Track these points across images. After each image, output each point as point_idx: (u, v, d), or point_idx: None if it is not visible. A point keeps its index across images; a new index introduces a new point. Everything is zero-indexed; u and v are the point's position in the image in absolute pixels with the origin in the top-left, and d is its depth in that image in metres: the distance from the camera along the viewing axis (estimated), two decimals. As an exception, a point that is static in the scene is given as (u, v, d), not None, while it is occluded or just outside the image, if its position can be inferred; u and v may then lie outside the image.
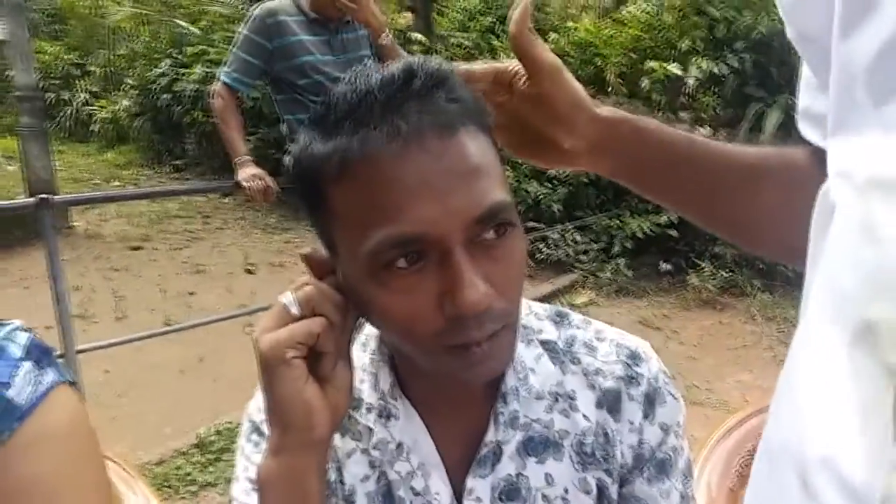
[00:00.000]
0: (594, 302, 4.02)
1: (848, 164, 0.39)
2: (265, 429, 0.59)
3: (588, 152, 0.65)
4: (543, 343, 0.66)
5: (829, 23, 0.39)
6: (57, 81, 10.98)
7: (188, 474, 2.32)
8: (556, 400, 0.64)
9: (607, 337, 0.67)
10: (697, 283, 3.96)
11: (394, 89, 0.50)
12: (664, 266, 4.31)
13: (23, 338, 0.63)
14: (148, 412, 2.83)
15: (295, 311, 0.54)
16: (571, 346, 0.66)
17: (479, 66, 0.62)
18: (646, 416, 0.64)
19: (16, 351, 0.62)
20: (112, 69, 10.66)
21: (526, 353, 0.64)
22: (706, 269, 4.01)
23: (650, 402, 0.64)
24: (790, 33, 0.49)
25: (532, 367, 0.64)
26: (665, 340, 3.34)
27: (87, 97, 10.56)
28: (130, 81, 8.81)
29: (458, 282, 0.48)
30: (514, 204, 0.53)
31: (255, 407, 0.67)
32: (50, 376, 0.63)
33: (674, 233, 4.18)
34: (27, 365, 0.61)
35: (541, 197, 4.65)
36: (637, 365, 0.65)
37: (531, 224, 4.61)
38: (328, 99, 0.52)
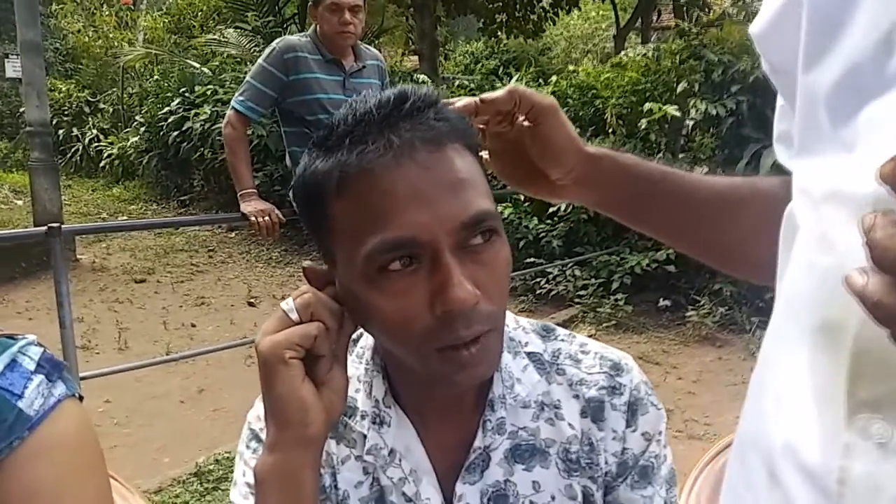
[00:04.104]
0: (594, 337, 4.01)
1: (808, 182, 0.44)
2: (264, 436, 0.62)
3: (574, 185, 0.70)
4: (530, 354, 0.69)
5: (796, 56, 0.44)
6: (68, 118, 11.18)
7: (186, 503, 2.31)
8: (542, 409, 0.67)
9: (591, 350, 0.71)
10: (696, 319, 3.97)
11: (388, 110, 0.55)
12: (663, 302, 4.32)
13: (36, 352, 0.67)
14: (147, 441, 2.83)
15: (294, 316, 0.58)
16: (557, 358, 0.70)
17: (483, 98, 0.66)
18: (628, 425, 0.67)
19: (29, 364, 0.64)
20: (123, 107, 10.86)
21: (513, 364, 0.67)
22: (705, 306, 4.02)
23: (632, 411, 0.67)
24: (764, 66, 0.54)
25: (518, 377, 0.67)
26: (664, 375, 3.34)
27: (97, 134, 10.73)
28: (140, 119, 8.95)
29: (448, 281, 0.52)
30: (498, 214, 0.58)
31: (255, 415, 0.70)
32: (59, 389, 0.66)
33: (672, 269, 4.21)
34: (39, 378, 0.64)
35: (541, 233, 4.69)
36: (619, 375, 0.68)
37: (531, 260, 4.65)
38: (330, 123, 0.58)
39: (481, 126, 0.69)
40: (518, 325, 0.72)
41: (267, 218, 2.40)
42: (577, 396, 0.67)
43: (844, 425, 0.37)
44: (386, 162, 0.53)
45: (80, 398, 0.69)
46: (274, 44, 2.44)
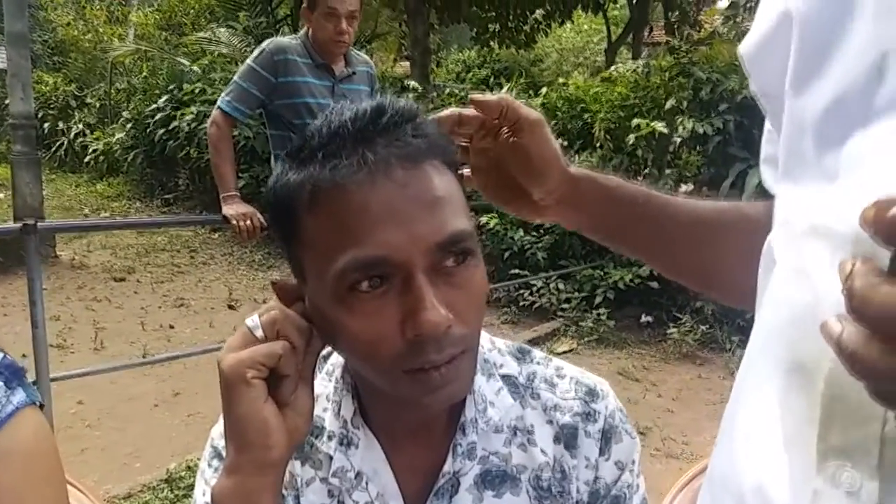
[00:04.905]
0: (575, 350, 4.01)
1: (788, 213, 0.42)
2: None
3: (555, 205, 0.68)
4: (504, 377, 0.67)
5: (783, 80, 0.43)
6: (54, 112, 11.05)
7: (155, 510, 2.26)
8: (515, 434, 0.65)
9: (567, 374, 0.69)
10: (678, 336, 3.98)
11: (364, 123, 0.53)
12: (645, 318, 4.34)
13: None
14: (119, 445, 2.77)
15: (259, 333, 0.55)
16: (532, 382, 0.68)
17: (469, 111, 0.65)
18: (601, 453, 0.65)
19: None
20: (110, 102, 10.75)
21: (486, 387, 0.65)
22: (686, 323, 4.03)
23: (606, 439, 0.65)
24: (752, 88, 0.53)
25: (492, 401, 0.65)
26: (644, 392, 3.33)
27: (83, 128, 10.61)
28: (127, 115, 8.87)
29: (419, 304, 0.50)
30: (475, 234, 0.56)
31: (219, 432, 0.67)
32: (18, 397, 0.64)
33: (655, 285, 4.22)
34: None
35: (526, 245, 4.69)
36: (594, 402, 0.67)
37: (515, 271, 4.65)
38: (304, 133, 0.56)
39: (464, 143, 0.67)
40: (493, 347, 0.70)
41: (248, 222, 2.36)
42: (550, 422, 0.66)
43: (814, 471, 0.36)
44: (360, 178, 0.51)
45: (41, 406, 0.67)
46: (264, 44, 2.40)
